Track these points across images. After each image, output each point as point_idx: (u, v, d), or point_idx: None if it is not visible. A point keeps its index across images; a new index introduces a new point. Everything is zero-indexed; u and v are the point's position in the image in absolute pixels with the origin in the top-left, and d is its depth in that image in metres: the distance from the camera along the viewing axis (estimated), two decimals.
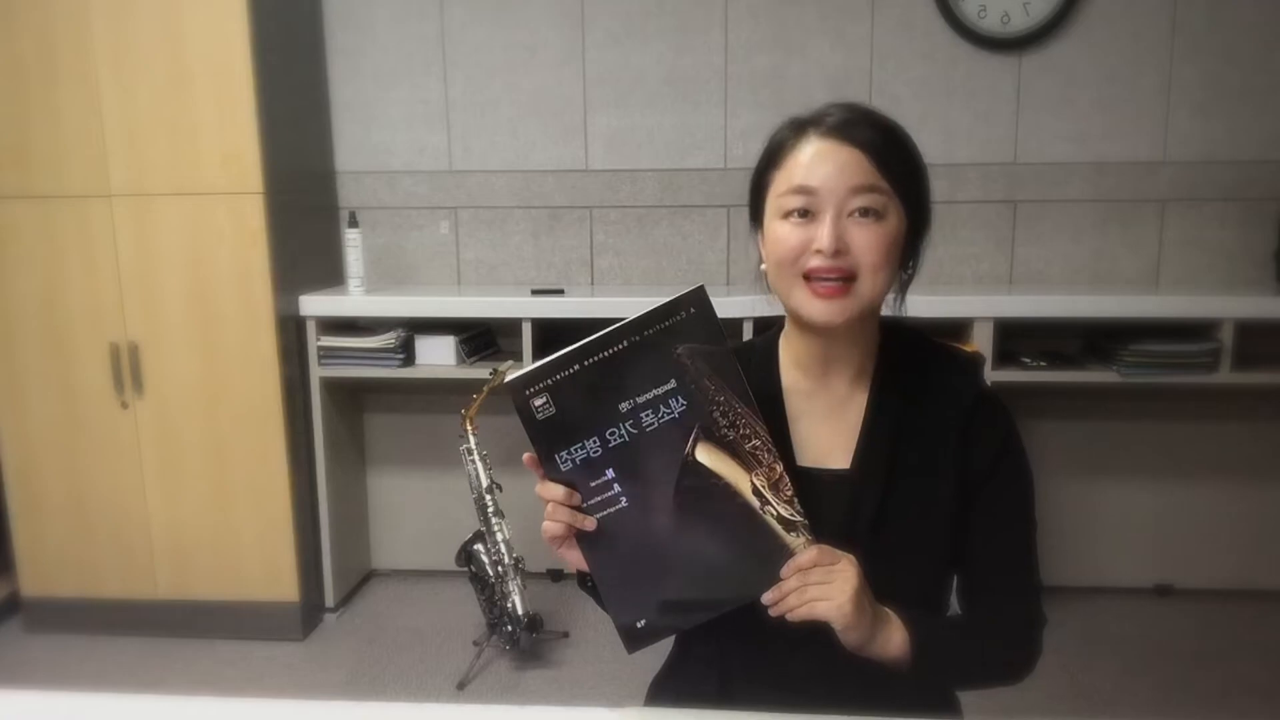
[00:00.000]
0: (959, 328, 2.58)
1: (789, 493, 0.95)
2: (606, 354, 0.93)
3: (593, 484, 0.95)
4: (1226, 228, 2.82)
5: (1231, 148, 2.78)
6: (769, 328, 1.16)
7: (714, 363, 0.94)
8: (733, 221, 2.95)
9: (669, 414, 0.94)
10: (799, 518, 0.95)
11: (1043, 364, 2.63)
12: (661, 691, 1.17)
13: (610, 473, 0.95)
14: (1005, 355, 2.63)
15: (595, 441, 0.94)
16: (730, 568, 0.96)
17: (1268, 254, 2.79)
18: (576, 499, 0.95)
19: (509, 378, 0.94)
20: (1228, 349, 2.50)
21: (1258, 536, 2.91)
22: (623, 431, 0.94)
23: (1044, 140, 2.82)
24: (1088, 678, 2.47)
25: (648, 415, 0.94)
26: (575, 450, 0.95)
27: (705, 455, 0.95)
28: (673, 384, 0.94)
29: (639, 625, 0.97)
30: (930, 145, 2.69)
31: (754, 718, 0.94)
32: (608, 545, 0.97)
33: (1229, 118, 2.77)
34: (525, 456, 0.96)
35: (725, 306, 2.30)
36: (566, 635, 2.71)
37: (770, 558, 0.95)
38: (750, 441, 0.94)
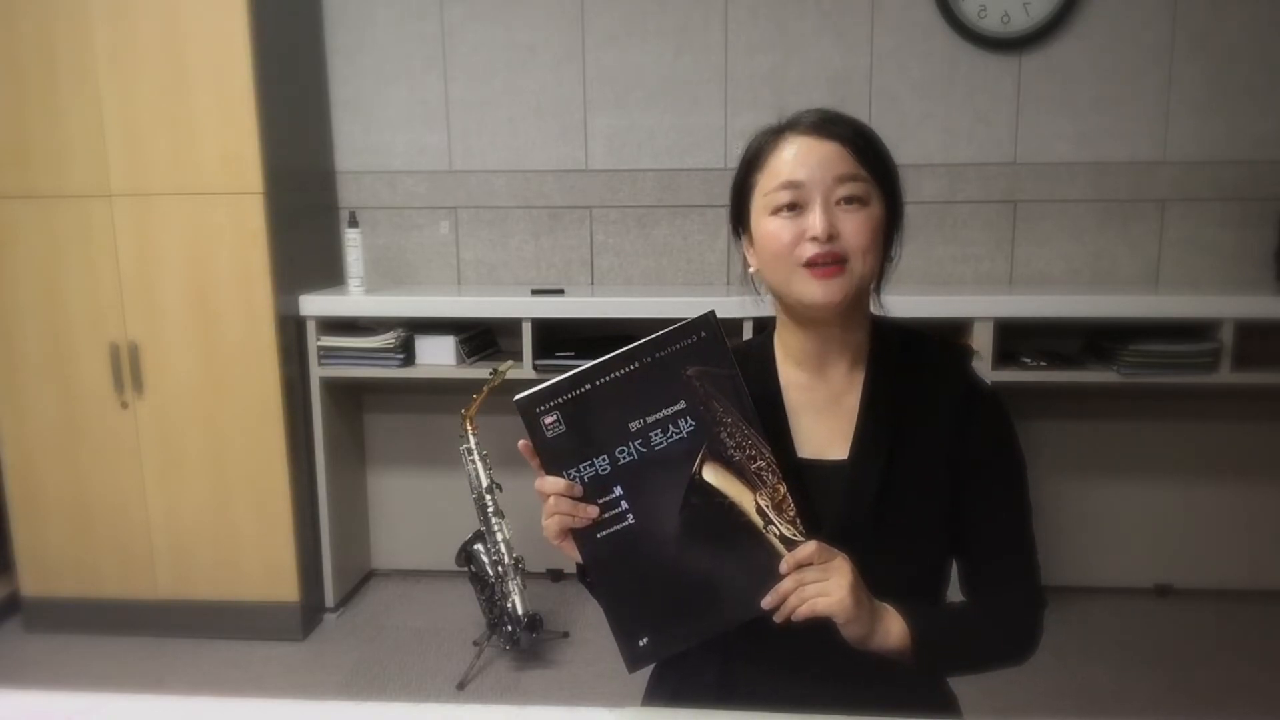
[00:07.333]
0: (959, 328, 2.57)
1: (792, 513, 0.97)
2: (619, 374, 0.96)
3: (600, 501, 0.97)
4: (1226, 228, 2.82)
5: (1232, 148, 2.78)
6: (768, 327, 1.17)
7: (722, 385, 0.96)
8: None
9: (678, 434, 0.96)
10: (801, 538, 0.97)
11: (1043, 364, 2.62)
12: (662, 679, 1.18)
13: (618, 490, 0.97)
14: (1005, 355, 2.63)
15: (605, 459, 0.96)
16: (733, 586, 0.97)
17: (1268, 254, 2.79)
18: (577, 490, 0.96)
19: (518, 396, 0.95)
20: (1228, 349, 2.50)
21: (1258, 536, 2.91)
22: (632, 450, 0.96)
23: (1044, 140, 2.82)
24: (1087, 677, 2.47)
25: (657, 435, 0.96)
26: (585, 468, 0.97)
27: (712, 475, 0.97)
28: (682, 405, 0.96)
29: (641, 644, 0.98)
30: (930, 145, 2.75)
31: (754, 718, 0.95)
32: (613, 563, 0.98)
33: (1229, 118, 2.77)
34: (521, 444, 0.97)
35: (725, 306, 2.26)
36: (566, 635, 2.71)
37: (772, 577, 0.97)
38: (755, 463, 0.97)
